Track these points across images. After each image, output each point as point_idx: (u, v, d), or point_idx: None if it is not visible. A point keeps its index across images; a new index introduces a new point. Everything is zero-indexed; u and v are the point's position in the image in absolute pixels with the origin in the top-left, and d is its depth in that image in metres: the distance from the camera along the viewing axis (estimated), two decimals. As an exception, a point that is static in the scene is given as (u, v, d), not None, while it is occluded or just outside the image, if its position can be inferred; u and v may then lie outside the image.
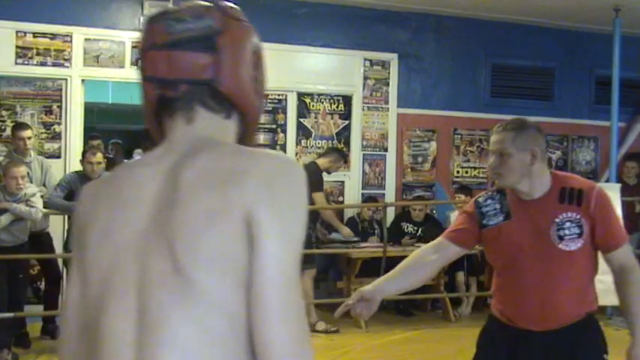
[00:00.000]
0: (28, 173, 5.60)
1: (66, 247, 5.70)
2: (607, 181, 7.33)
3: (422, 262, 2.52)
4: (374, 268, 6.36)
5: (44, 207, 5.31)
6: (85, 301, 1.19)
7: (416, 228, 7.27)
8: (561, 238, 2.32)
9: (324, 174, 6.63)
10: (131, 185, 1.21)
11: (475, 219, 2.49)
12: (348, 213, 7.41)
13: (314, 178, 6.36)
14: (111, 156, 8.15)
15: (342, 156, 6.86)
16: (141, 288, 1.12)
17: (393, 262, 6.58)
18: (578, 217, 2.32)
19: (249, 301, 1.08)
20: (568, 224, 2.31)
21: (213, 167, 1.14)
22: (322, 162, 6.64)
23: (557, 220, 2.32)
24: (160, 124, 1.29)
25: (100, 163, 5.46)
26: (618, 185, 6.71)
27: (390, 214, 7.45)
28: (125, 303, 1.12)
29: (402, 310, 7.20)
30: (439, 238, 2.59)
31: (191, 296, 1.08)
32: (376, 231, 7.24)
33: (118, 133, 12.39)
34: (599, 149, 8.69)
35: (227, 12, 1.24)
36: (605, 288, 6.74)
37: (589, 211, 2.32)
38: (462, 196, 7.41)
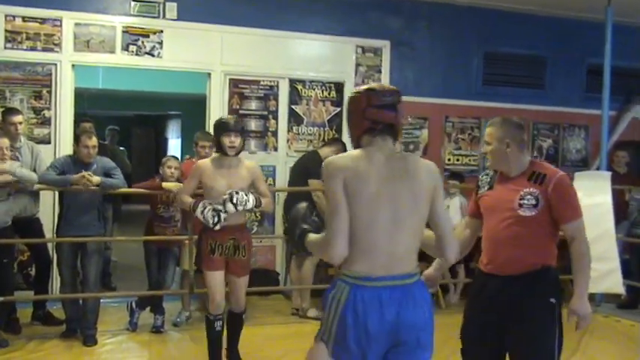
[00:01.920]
0: (18, 158, 5.58)
1: (57, 232, 5.68)
2: (597, 169, 7.36)
3: (460, 237, 3.32)
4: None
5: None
6: (358, 211, 2.53)
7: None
8: (521, 205, 3.14)
9: None
10: (376, 160, 2.60)
11: (475, 191, 3.45)
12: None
13: (316, 166, 6.32)
14: (106, 142, 8.11)
15: (344, 146, 6.85)
16: (394, 204, 2.55)
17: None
18: (536, 192, 3.13)
19: (435, 215, 2.65)
20: (528, 197, 3.14)
21: (419, 164, 2.67)
22: (326, 151, 6.61)
23: (521, 192, 3.16)
24: (359, 137, 2.68)
25: (95, 146, 5.41)
26: (609, 174, 6.73)
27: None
28: (387, 210, 2.55)
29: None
30: (466, 217, 3.55)
31: (416, 211, 2.60)
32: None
33: (108, 118, 12.34)
34: (590, 138, 8.71)
35: (399, 92, 2.73)
36: (596, 275, 6.76)
37: (547, 191, 3.12)
38: (457, 182, 7.42)
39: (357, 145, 2.70)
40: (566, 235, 3.15)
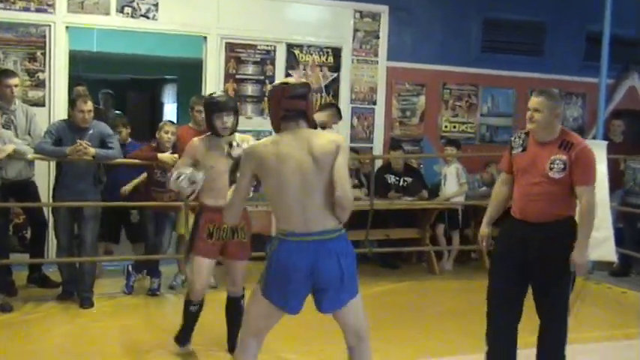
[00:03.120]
0: (12, 120, 5.55)
1: (54, 195, 5.67)
2: (594, 138, 7.35)
3: (501, 194, 3.99)
4: (361, 220, 6.38)
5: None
6: (271, 184, 3.13)
7: (398, 179, 7.29)
8: (551, 169, 3.67)
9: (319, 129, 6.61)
10: (285, 141, 3.15)
11: (509, 150, 3.92)
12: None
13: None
14: (100, 107, 8.04)
15: (339, 111, 6.82)
16: (300, 174, 3.08)
17: (379, 214, 6.65)
18: (564, 158, 3.66)
19: (333, 168, 3.10)
20: (557, 161, 3.66)
21: (322, 136, 3.21)
22: (319, 116, 6.56)
23: (552, 157, 3.67)
24: (279, 124, 3.23)
25: (90, 111, 5.36)
26: (605, 143, 6.72)
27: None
28: (295, 180, 3.08)
29: (387, 262, 7.27)
30: (501, 175, 4.05)
31: (322, 176, 3.09)
32: (362, 182, 7.24)
33: (102, 82, 12.24)
34: (587, 106, 8.69)
35: (309, 85, 3.34)
36: (590, 243, 6.78)
37: (571, 158, 3.65)
38: (454, 149, 7.41)
39: (277, 130, 3.25)
40: (578, 195, 3.68)
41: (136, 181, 6.09)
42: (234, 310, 4.42)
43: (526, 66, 8.31)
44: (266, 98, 3.54)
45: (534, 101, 3.76)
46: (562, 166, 3.65)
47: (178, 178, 4.13)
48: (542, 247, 3.70)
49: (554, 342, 3.79)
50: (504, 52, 8.21)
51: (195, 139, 4.45)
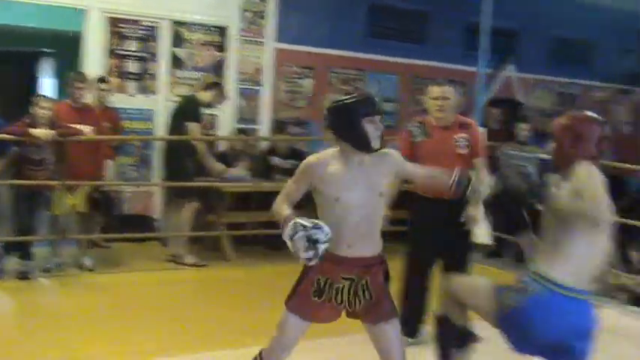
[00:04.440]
0: None
1: None
2: (472, 125, 7.63)
3: None
4: (245, 201, 6.35)
5: None
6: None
7: (282, 161, 7.26)
8: (457, 146, 4.25)
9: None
10: None
11: (409, 140, 4.31)
12: (221, 146, 7.34)
13: (191, 109, 6.27)
14: None
15: (222, 91, 6.73)
16: None
17: (264, 195, 6.64)
18: (466, 136, 4.29)
19: None
20: (461, 139, 4.27)
21: None
22: (204, 96, 6.47)
23: (455, 137, 4.27)
24: (577, 159, 2.62)
25: None
26: (484, 130, 6.99)
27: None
28: None
29: (270, 244, 7.27)
30: None
31: None
32: (244, 162, 7.16)
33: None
34: (467, 94, 9.00)
35: None
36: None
37: (472, 134, 4.30)
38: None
39: (566, 164, 2.64)
40: (476, 165, 4.32)
41: None
42: None
43: (410, 53, 8.50)
44: (577, 127, 2.66)
45: (442, 90, 4.26)
46: (466, 142, 4.26)
47: (295, 233, 2.69)
48: (456, 213, 4.22)
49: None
50: (389, 38, 8.37)
51: (315, 156, 3.00)
